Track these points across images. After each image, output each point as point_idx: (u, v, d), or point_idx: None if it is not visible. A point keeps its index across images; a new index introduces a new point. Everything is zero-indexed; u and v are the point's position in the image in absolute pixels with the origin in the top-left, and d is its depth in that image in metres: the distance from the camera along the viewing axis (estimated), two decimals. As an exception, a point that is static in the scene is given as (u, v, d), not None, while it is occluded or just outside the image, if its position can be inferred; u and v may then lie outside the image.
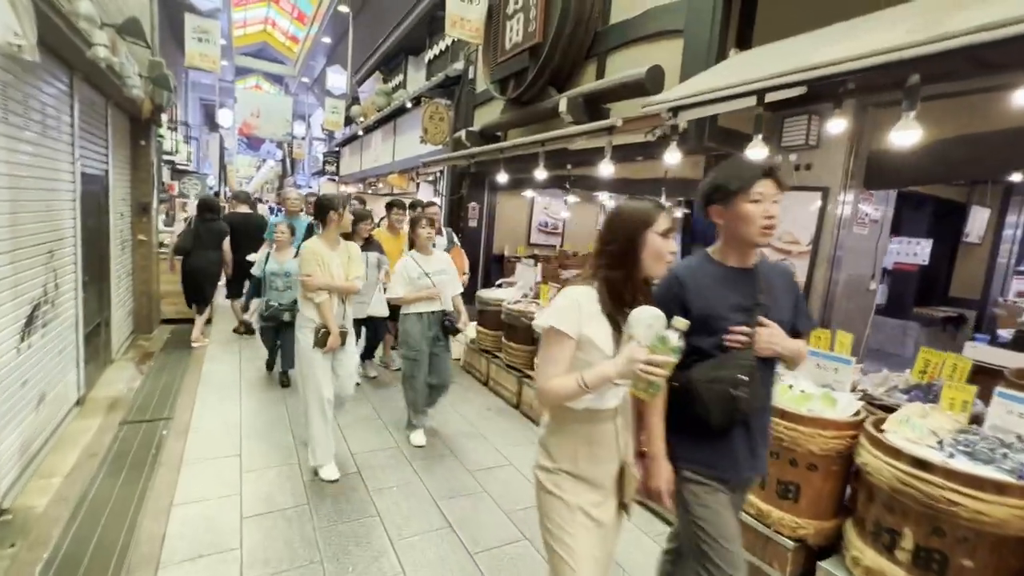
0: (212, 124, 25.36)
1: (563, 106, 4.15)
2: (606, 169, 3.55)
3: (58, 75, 3.23)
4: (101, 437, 3.30)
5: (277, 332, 4.47)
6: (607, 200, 7.05)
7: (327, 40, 14.26)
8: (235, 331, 6.16)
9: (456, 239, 5.11)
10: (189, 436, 3.41)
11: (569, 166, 5.22)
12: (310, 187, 21.22)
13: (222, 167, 24.50)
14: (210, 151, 24.45)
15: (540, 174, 4.22)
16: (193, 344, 5.45)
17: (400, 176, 9.63)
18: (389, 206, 4.91)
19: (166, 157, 10.93)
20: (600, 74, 4.42)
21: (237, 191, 7.03)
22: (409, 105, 8.32)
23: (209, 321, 5.95)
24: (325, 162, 14.98)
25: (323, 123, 11.77)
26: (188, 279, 5.49)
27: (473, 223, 7.03)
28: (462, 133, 6.07)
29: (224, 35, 17.39)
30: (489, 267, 7.29)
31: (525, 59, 4.82)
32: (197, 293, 5.53)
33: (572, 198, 6.72)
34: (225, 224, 5.63)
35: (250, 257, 4.80)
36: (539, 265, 5.33)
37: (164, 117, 5.82)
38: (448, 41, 9.49)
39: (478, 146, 5.90)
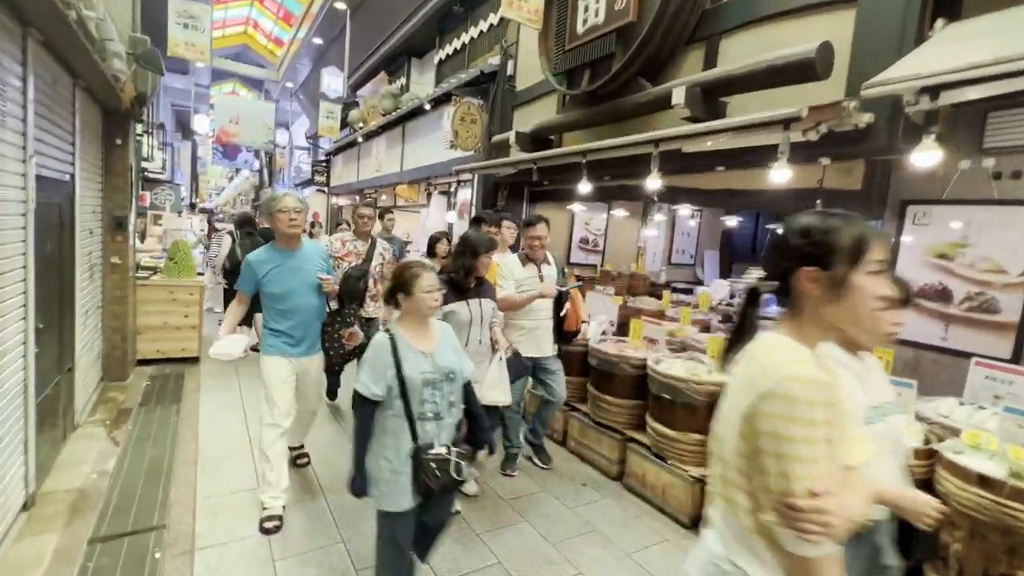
0: (185, 131, 23.83)
1: (679, 97, 3.27)
2: (781, 175, 2.67)
3: (3, 30, 2.18)
4: (60, 572, 2.19)
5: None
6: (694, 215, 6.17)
7: (318, 41, 13.21)
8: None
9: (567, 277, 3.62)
10: (196, 559, 2.33)
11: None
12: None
13: (194, 177, 22.96)
14: (182, 160, 22.90)
15: (652, 183, 3.32)
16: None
17: (410, 187, 8.62)
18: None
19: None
20: (710, 62, 3.57)
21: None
22: (428, 107, 7.36)
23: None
24: (315, 171, 13.82)
25: (318, 129, 10.73)
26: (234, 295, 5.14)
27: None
28: (510, 135, 5.14)
29: (201, 36, 16.26)
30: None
31: (607, 44, 3.95)
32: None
33: (685, 209, 5.79)
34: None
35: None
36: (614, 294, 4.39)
37: (144, 112, 4.76)
38: (465, 39, 8.63)
39: (527, 151, 4.99)
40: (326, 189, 14.07)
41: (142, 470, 3.07)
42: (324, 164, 14.03)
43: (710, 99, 3.37)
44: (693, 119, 3.34)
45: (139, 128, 6.40)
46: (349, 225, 7.12)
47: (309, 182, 16.76)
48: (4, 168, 2.24)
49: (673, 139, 3.27)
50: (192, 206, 16.77)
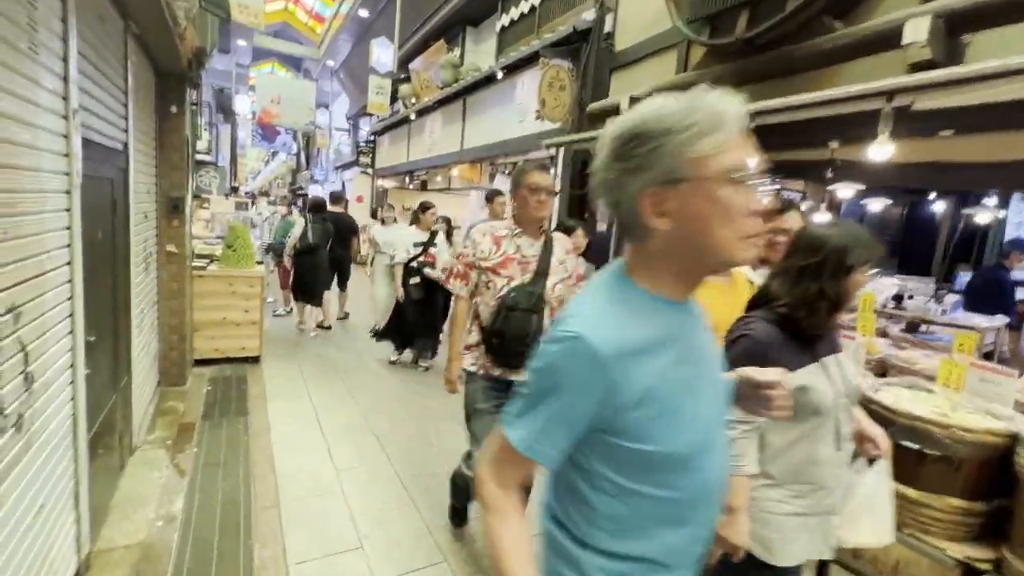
0: (225, 113, 23.64)
1: (916, 33, 2.40)
2: None
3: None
4: None
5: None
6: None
7: (364, 14, 12.48)
8: (320, 326, 6.10)
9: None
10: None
11: (835, 144, 3.45)
12: (331, 182, 19.49)
13: (233, 160, 22.81)
14: (222, 142, 22.73)
15: (879, 150, 2.46)
16: (300, 327, 5.94)
17: (471, 167, 7.88)
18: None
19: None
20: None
21: (333, 192, 7.23)
22: (500, 75, 6.55)
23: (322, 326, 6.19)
24: (359, 152, 13.22)
25: (367, 106, 10.07)
26: (303, 277, 5.75)
27: (602, 226, 5.28)
28: (620, 101, 4.31)
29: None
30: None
31: (778, -25, 3.07)
32: (311, 290, 5.77)
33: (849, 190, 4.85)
34: (331, 224, 5.94)
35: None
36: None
37: (200, 77, 4.13)
38: (534, 0, 7.74)
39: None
40: (371, 171, 13.48)
41: (215, 515, 2.46)
42: (369, 144, 13.41)
43: (952, 36, 2.48)
44: (927, 65, 2.46)
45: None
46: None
47: (351, 164, 16.23)
48: (37, 123, 1.57)
49: (912, 90, 2.39)
50: (234, 189, 16.45)
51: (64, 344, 1.80)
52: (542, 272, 2.05)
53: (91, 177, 2.00)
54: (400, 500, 2.70)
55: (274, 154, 30.50)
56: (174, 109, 3.64)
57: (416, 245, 4.74)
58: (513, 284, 2.03)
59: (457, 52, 9.40)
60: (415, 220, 4.98)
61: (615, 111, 4.44)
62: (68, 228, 1.82)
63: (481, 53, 9.35)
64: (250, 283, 4.57)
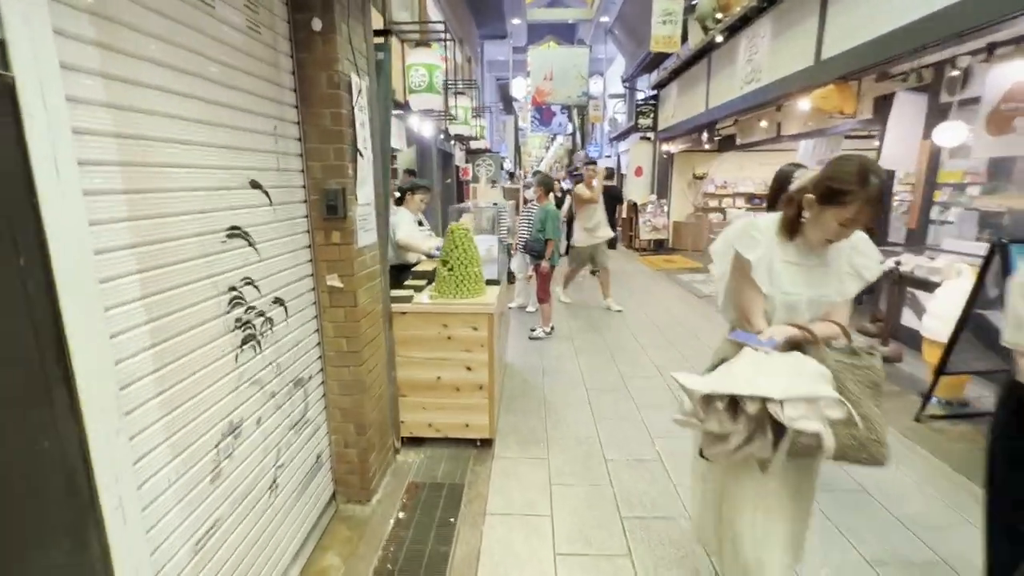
0: (507, 104, 24.70)
1: None
2: None
3: None
4: None
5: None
6: None
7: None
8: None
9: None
10: None
11: None
12: (607, 156, 17.74)
13: (517, 149, 23.56)
14: (506, 133, 23.77)
15: None
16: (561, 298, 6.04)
17: (839, 89, 4.48)
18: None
19: (455, 129, 8.54)
20: None
21: (607, 168, 7.86)
22: None
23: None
24: (638, 114, 10.81)
25: (651, 42, 7.64)
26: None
27: None
28: None
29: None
30: None
31: None
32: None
33: None
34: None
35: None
36: None
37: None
38: None
39: None
40: (652, 135, 10.93)
41: None
42: (650, 103, 10.86)
43: None
44: None
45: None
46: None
47: (625, 135, 14.00)
48: None
49: None
50: (511, 175, 16.35)
51: None
52: None
53: None
54: None
55: (553, 138, 31.00)
56: (318, 26, 1.95)
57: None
58: None
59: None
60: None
61: None
62: None
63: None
64: (472, 322, 2.75)
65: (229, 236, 1.57)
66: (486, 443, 2.93)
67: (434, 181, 9.15)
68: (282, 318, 1.91)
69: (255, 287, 1.72)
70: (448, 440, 2.93)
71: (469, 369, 2.81)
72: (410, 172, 7.90)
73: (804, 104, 5.03)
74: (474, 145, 12.04)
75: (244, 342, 1.65)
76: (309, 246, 2.14)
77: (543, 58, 16.34)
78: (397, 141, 6.59)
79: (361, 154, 2.18)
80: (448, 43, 6.21)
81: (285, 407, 1.93)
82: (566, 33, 19.87)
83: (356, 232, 2.19)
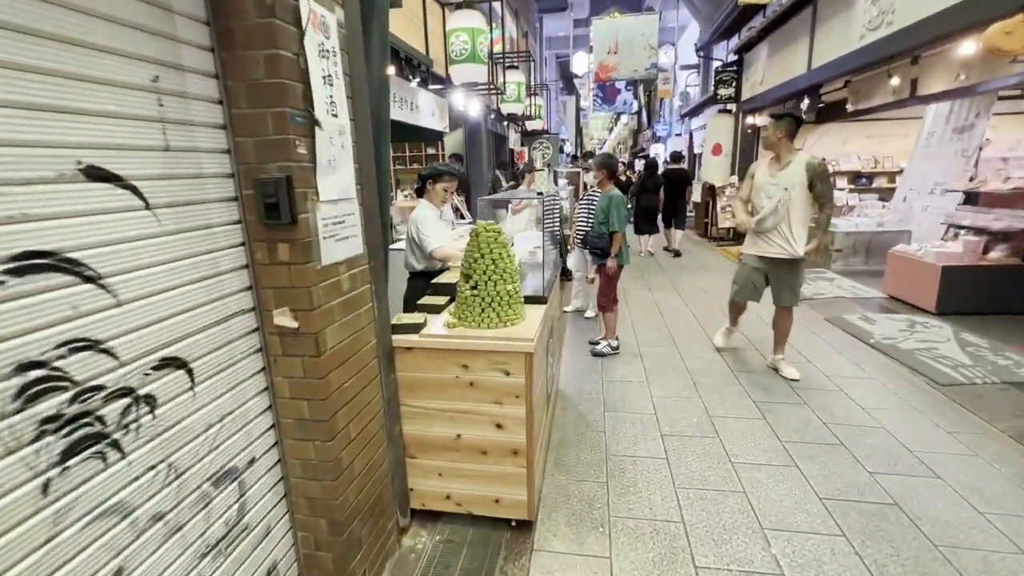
0: (568, 84, 23.40)
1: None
2: None
3: None
4: None
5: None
6: None
7: None
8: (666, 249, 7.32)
9: None
10: None
11: None
12: (676, 135, 16.17)
13: (578, 131, 22.29)
14: (567, 114, 22.54)
15: None
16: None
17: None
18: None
19: (506, 108, 7.68)
20: None
21: (674, 152, 8.64)
22: None
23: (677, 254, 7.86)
24: (718, 81, 9.41)
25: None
26: (640, 215, 7.87)
27: None
28: None
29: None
30: None
31: None
32: (647, 224, 7.88)
33: None
34: (661, 178, 7.85)
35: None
36: None
37: None
38: None
39: None
40: (733, 107, 9.51)
41: None
42: (731, 69, 9.42)
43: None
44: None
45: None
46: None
47: (699, 109, 12.51)
48: None
49: None
50: (573, 158, 15.23)
51: None
52: None
53: None
54: None
55: (617, 118, 29.17)
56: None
57: None
58: None
59: None
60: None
61: None
62: None
63: None
64: (503, 363, 1.94)
65: (18, 271, 0.85)
66: (524, 525, 2.13)
67: (485, 166, 8.37)
68: (181, 388, 1.19)
69: (104, 352, 1.00)
70: (473, 517, 2.16)
71: (499, 427, 2.01)
72: (456, 157, 7.17)
73: (967, 47, 3.70)
74: (530, 126, 11.13)
75: (69, 454, 0.94)
76: (246, 266, 1.42)
77: (607, 30, 15.00)
78: (437, 121, 5.84)
79: (319, 124, 1.40)
80: (495, 3, 5.35)
81: (194, 524, 1.23)
82: (632, 2, 18.29)
83: (317, 244, 1.43)
